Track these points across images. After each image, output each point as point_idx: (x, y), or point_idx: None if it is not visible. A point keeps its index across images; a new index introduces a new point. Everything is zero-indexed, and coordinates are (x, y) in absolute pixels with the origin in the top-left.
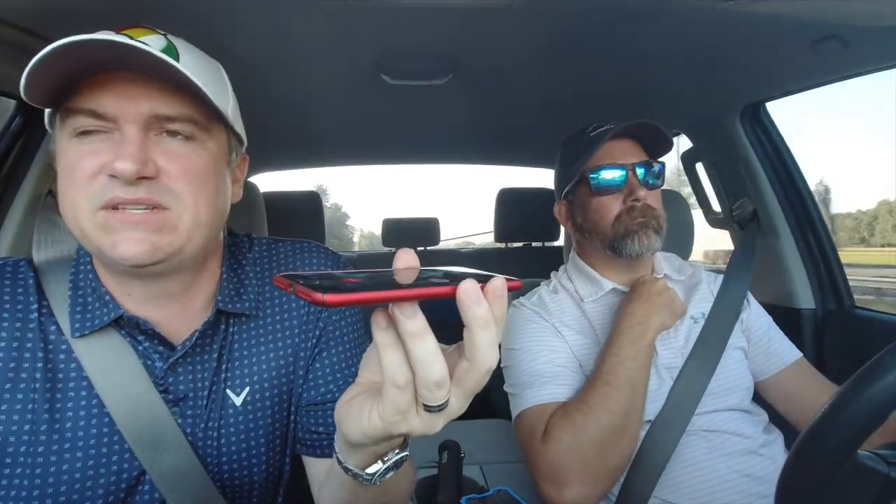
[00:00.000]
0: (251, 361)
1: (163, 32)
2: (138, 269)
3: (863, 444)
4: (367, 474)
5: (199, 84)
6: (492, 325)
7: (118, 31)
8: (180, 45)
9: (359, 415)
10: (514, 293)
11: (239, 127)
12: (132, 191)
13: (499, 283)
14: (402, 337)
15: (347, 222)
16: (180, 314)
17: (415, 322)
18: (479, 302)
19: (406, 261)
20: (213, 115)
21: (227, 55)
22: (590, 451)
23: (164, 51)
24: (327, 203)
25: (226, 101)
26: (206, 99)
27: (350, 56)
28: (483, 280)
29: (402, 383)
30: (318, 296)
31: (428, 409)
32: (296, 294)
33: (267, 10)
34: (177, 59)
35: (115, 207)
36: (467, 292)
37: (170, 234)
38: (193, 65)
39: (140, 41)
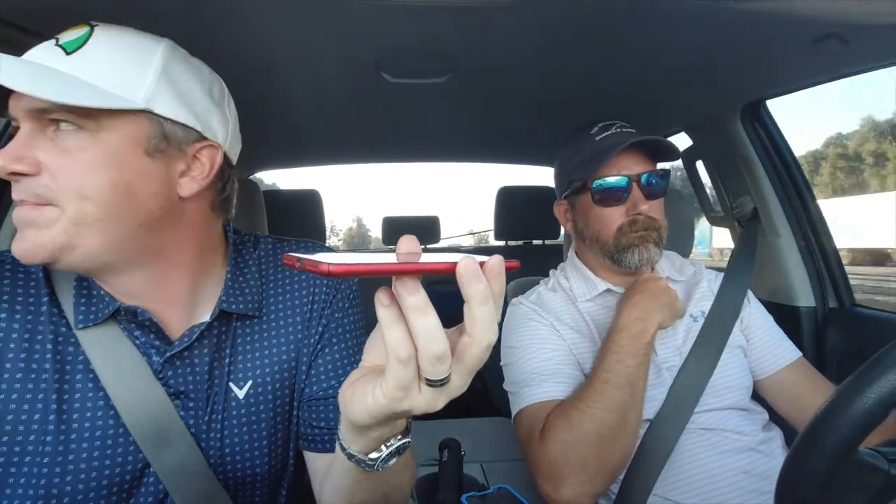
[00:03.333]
0: (254, 357)
1: (94, 24)
2: (55, 265)
3: (863, 441)
4: (369, 460)
5: (9, 81)
6: (490, 300)
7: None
8: (103, 32)
9: (363, 394)
10: (514, 291)
11: (179, 112)
12: (17, 188)
13: (496, 260)
14: (405, 312)
15: (368, 233)
16: (166, 309)
17: (417, 297)
18: (478, 277)
19: (408, 246)
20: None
21: (227, 54)
22: (588, 449)
23: (70, 41)
24: (357, 224)
25: (137, 85)
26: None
27: (350, 54)
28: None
29: (405, 357)
30: (324, 266)
31: (430, 383)
32: (303, 269)
33: (267, 8)
34: (77, 48)
35: (19, 204)
36: (466, 268)
37: (49, 231)
38: (95, 53)
39: (57, 36)
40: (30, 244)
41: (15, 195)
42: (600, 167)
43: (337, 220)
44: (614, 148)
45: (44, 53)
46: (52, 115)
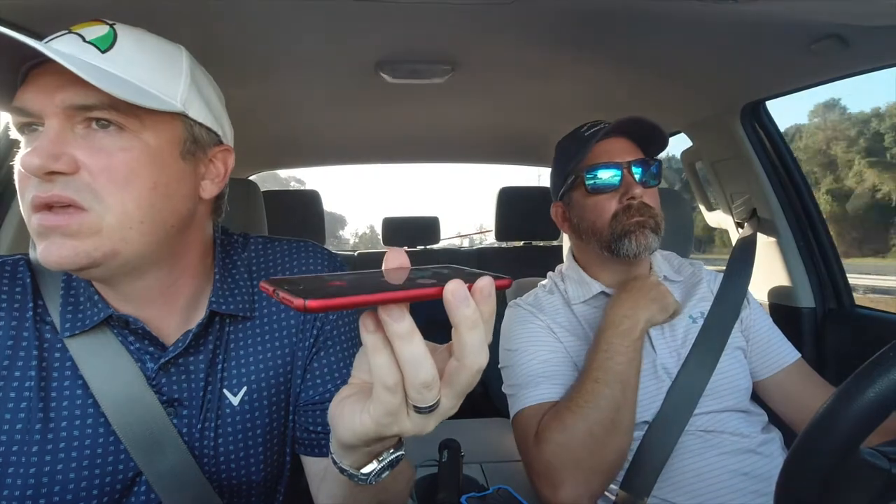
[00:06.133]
0: (248, 361)
1: (109, 22)
2: (81, 273)
3: (864, 441)
4: (362, 474)
5: (83, 74)
6: (480, 324)
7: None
8: (127, 33)
9: (350, 416)
10: (514, 293)
11: (206, 117)
12: (47, 188)
13: (485, 282)
14: (390, 339)
15: (378, 237)
16: (166, 315)
17: (402, 324)
18: (466, 302)
19: (396, 261)
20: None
21: (227, 54)
22: (581, 450)
23: (99, 39)
24: (371, 231)
25: (174, 88)
26: (102, 87)
27: (349, 54)
28: (471, 279)
29: (392, 385)
30: (300, 302)
31: (418, 410)
32: (279, 300)
33: (266, 9)
34: (109, 46)
35: (40, 209)
36: (453, 293)
37: (93, 238)
38: (130, 53)
39: (77, 32)
40: (69, 251)
41: (41, 196)
42: (588, 152)
43: (359, 227)
44: (601, 132)
45: (77, 49)
46: (94, 112)
